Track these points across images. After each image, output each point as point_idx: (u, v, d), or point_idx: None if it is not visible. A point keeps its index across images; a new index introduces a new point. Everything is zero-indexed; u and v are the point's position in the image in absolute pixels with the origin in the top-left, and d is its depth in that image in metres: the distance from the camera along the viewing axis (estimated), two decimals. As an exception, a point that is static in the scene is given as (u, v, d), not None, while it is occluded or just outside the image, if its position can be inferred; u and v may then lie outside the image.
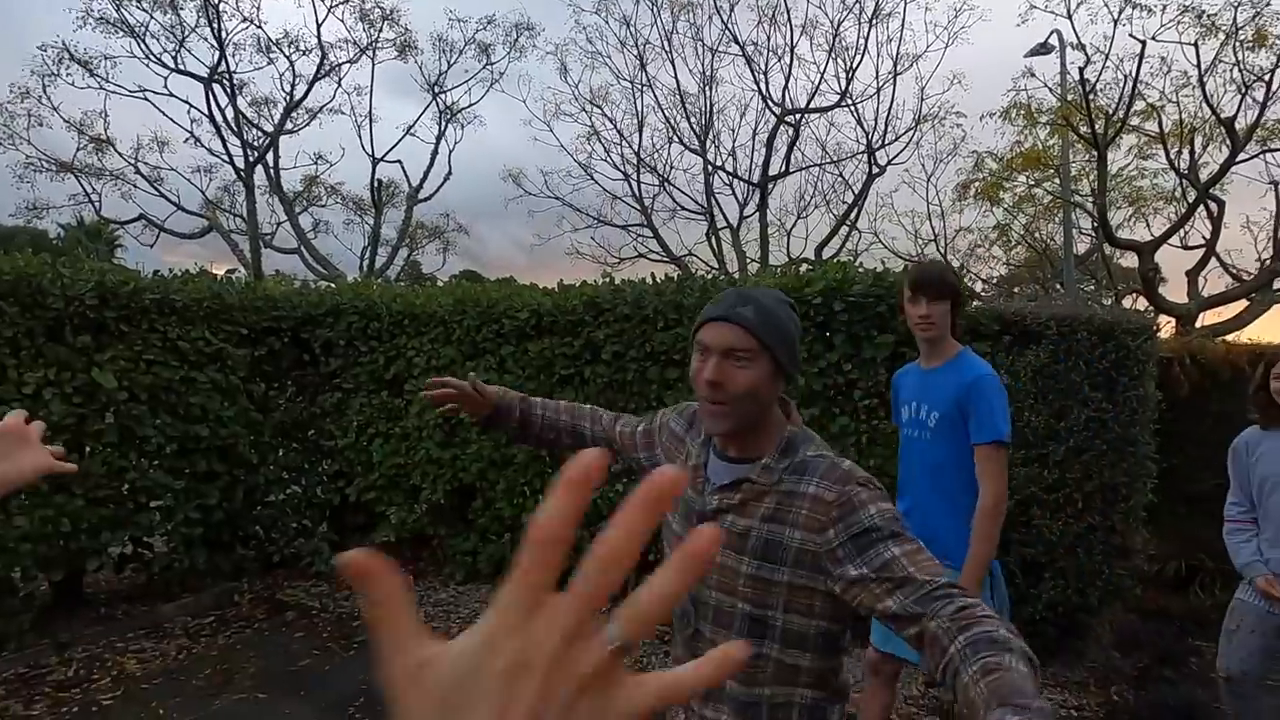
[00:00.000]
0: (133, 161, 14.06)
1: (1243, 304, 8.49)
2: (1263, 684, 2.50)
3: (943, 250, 13.90)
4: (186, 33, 12.55)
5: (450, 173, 15.29)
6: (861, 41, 13.91)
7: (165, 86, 13.01)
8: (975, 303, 3.82)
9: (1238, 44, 7.51)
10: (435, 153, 15.00)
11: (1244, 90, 7.54)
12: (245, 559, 4.65)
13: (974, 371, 2.19)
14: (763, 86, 12.43)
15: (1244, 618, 2.50)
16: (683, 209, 14.08)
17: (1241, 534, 2.55)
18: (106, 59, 12.73)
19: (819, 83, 12.43)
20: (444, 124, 15.11)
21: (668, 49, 13.09)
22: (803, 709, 1.16)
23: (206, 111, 12.94)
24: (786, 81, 12.23)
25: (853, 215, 13.13)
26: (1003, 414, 2.13)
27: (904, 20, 16.27)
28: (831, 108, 12.51)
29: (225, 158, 13.37)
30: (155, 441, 4.13)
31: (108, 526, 3.95)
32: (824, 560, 1.08)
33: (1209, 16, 7.64)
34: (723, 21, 12.50)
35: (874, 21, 11.89)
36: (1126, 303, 12.42)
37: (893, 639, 2.24)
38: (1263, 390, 2.47)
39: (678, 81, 13.50)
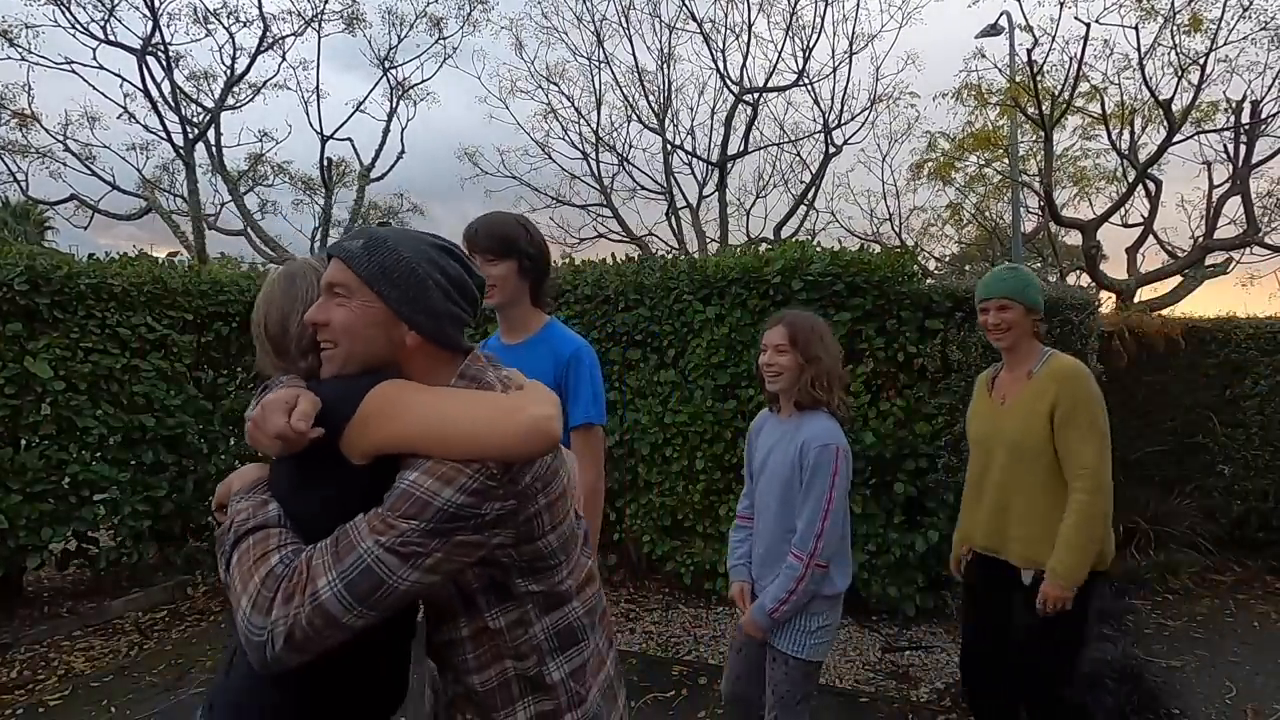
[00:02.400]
0: (61, 138, 13.29)
1: (1177, 279, 8.89)
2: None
3: (897, 229, 14.19)
4: (116, 0, 11.83)
5: (403, 151, 14.84)
6: (818, 20, 13.98)
7: (94, 58, 12.27)
8: (929, 280, 3.91)
9: (1175, 28, 7.77)
10: (387, 130, 14.53)
11: (1180, 73, 7.82)
12: (198, 551, 4.52)
13: (572, 344, 1.88)
14: (721, 65, 12.39)
15: (734, 635, 2.14)
16: (642, 188, 14.02)
17: (739, 531, 2.20)
18: (28, 28, 11.93)
19: (776, 61, 12.46)
20: (396, 100, 14.64)
21: (625, 25, 12.93)
22: None
23: (140, 85, 12.24)
24: (744, 60, 12.21)
25: (810, 195, 13.26)
26: (603, 392, 1.91)
27: (859, -1, 16.38)
28: (789, 87, 12.55)
29: (162, 135, 12.68)
30: (97, 433, 3.97)
31: (48, 522, 3.79)
32: None
33: (1149, 0, 7.88)
34: (680, -3, 12.37)
35: (830, 0, 11.93)
36: (1070, 279, 12.90)
37: None
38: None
39: (635, 59, 13.38)
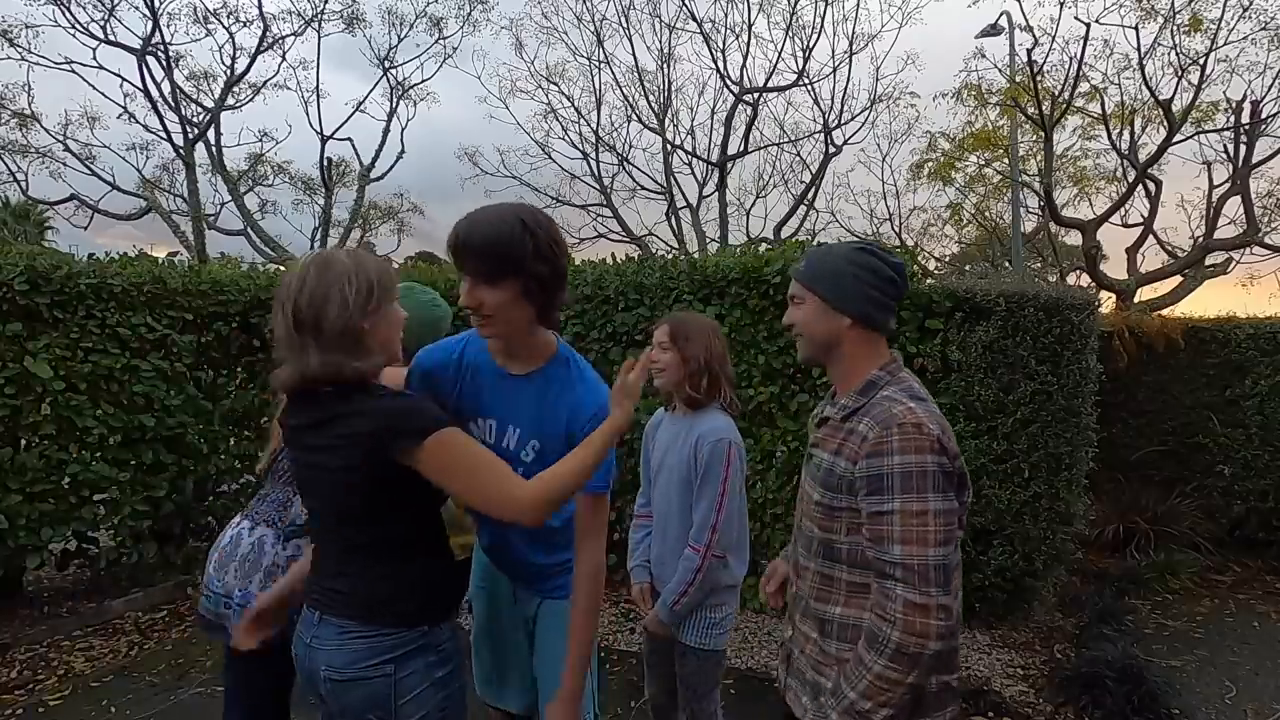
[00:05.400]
0: (61, 138, 13.31)
1: (1177, 279, 8.89)
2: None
3: (897, 229, 14.19)
4: (116, 0, 11.84)
5: (403, 151, 14.86)
6: (818, 20, 13.98)
7: (94, 58, 12.29)
8: (928, 280, 3.91)
9: (1175, 28, 7.76)
10: (387, 130, 14.55)
11: (1180, 73, 7.82)
12: (199, 551, 4.52)
13: (595, 401, 1.58)
14: (721, 65, 12.38)
15: (644, 641, 2.22)
16: (642, 188, 14.02)
17: (639, 530, 2.20)
18: (28, 28, 11.94)
19: (776, 61, 12.46)
20: (395, 100, 14.66)
21: (625, 25, 12.93)
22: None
23: (140, 85, 12.27)
24: (744, 60, 12.21)
25: (810, 195, 13.27)
26: (614, 455, 1.61)
27: (859, -1, 16.37)
28: (789, 87, 12.55)
29: (162, 134, 12.71)
30: (97, 433, 3.97)
31: (48, 522, 3.79)
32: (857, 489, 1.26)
33: (1149, 0, 7.88)
34: (680, -3, 12.37)
35: (830, 0, 11.91)
36: (1070, 279, 12.89)
37: (499, 693, 1.77)
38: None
39: (635, 59, 13.37)
